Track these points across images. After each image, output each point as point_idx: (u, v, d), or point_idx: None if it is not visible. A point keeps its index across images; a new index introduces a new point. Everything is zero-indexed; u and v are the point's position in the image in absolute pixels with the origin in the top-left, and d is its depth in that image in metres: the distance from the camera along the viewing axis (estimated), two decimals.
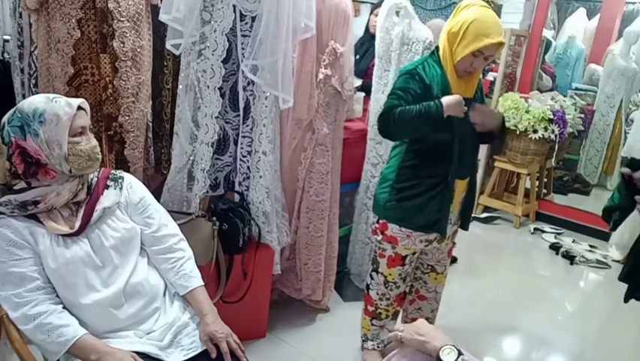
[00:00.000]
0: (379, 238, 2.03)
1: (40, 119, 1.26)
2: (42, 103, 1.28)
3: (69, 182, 1.33)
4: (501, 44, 1.76)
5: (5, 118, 1.30)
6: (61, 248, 1.30)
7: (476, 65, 1.80)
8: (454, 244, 2.19)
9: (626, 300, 1.83)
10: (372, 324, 2.16)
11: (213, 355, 1.38)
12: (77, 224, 1.33)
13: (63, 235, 1.31)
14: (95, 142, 1.36)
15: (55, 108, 1.28)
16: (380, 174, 2.07)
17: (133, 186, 1.49)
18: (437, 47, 1.90)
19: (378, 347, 2.18)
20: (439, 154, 1.87)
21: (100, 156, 1.37)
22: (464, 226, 2.08)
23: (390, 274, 2.06)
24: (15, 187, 1.29)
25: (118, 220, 1.42)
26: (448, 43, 1.83)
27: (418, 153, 1.90)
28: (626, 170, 1.59)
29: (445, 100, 1.77)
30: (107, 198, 1.40)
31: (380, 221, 2.01)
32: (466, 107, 1.80)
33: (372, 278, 2.12)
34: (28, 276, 1.26)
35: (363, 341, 2.21)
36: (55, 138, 1.27)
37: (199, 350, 1.39)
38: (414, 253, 2.03)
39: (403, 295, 2.14)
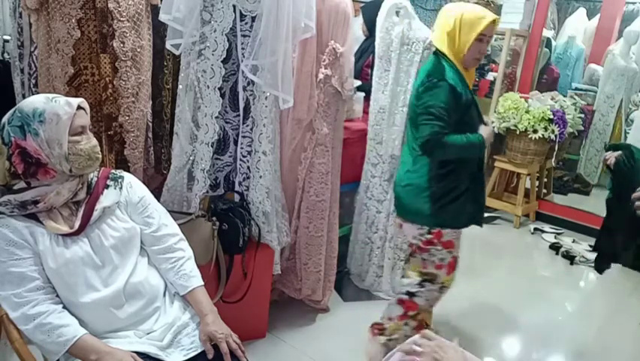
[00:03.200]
0: (438, 247, 1.97)
1: (40, 119, 1.26)
2: (42, 103, 1.28)
3: (69, 181, 1.33)
4: (496, 22, 1.90)
5: (5, 118, 1.30)
6: (61, 248, 1.30)
7: (483, 49, 1.92)
8: None
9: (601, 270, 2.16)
10: (406, 324, 2.08)
11: (210, 355, 1.38)
12: (77, 224, 1.33)
13: (63, 235, 1.31)
14: (94, 141, 1.37)
15: (55, 108, 1.28)
16: (404, 183, 2.00)
17: (133, 186, 1.49)
18: (438, 52, 1.92)
19: (389, 342, 2.11)
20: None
21: (100, 156, 1.38)
22: None
23: (448, 280, 2.04)
24: (14, 187, 1.29)
25: (118, 220, 1.42)
26: (450, 43, 1.89)
27: (451, 160, 1.91)
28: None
29: (484, 135, 1.91)
30: (107, 198, 1.39)
31: (432, 231, 1.96)
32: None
33: (422, 287, 2.02)
34: (28, 276, 1.26)
35: (380, 334, 2.12)
36: (56, 137, 1.27)
37: (199, 350, 1.39)
38: None
39: None
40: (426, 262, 2.02)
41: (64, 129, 1.28)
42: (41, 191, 1.29)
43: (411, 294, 2.06)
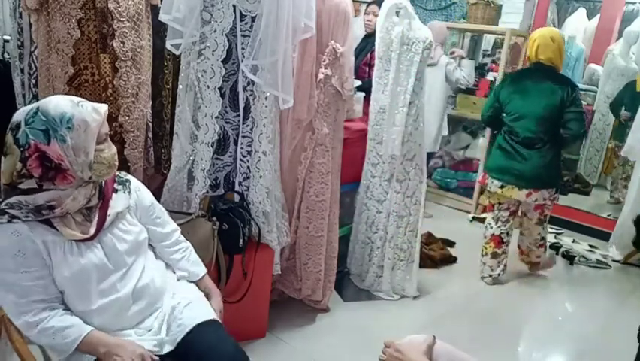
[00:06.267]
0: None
1: (68, 125, 1.21)
2: (69, 107, 1.23)
3: (83, 187, 1.28)
4: None
5: (21, 117, 1.21)
6: (75, 255, 1.28)
7: None
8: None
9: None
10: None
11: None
12: (92, 229, 1.30)
13: (76, 241, 1.28)
14: (114, 149, 1.34)
15: (83, 114, 1.23)
16: (545, 162, 2.90)
17: (141, 189, 1.51)
18: (555, 66, 2.90)
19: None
20: None
21: (117, 163, 1.36)
22: None
23: None
24: (21, 186, 1.22)
25: (129, 224, 1.42)
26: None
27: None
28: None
29: None
30: (118, 203, 1.39)
31: (557, 190, 3.01)
32: None
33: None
34: (33, 289, 1.24)
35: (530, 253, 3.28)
36: (83, 145, 1.23)
37: (185, 332, 1.40)
38: None
39: None
40: (547, 215, 3.15)
41: (92, 138, 1.24)
42: (54, 195, 1.24)
43: (544, 238, 3.20)
